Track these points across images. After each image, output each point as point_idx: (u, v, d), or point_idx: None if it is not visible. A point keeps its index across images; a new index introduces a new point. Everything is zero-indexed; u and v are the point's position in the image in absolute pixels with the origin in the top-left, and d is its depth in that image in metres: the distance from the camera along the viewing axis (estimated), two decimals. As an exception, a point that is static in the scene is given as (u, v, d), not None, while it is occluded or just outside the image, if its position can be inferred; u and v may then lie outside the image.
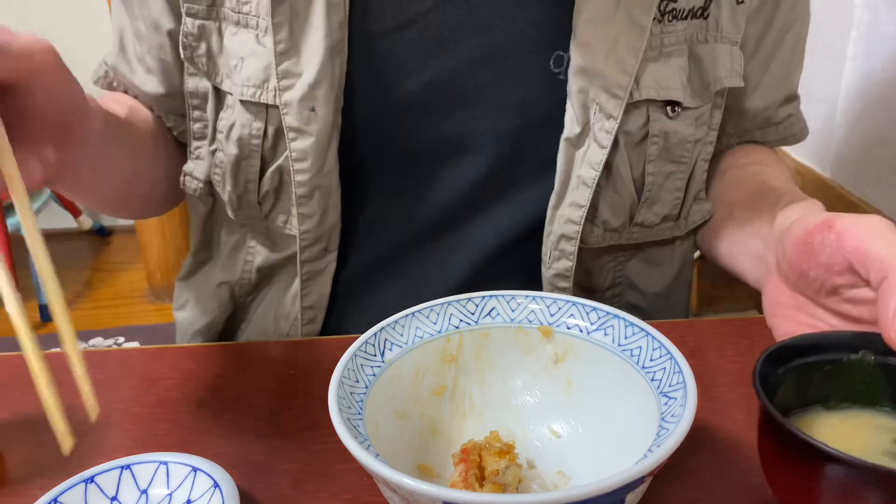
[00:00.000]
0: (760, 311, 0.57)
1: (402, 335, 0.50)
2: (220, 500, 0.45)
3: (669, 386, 0.43)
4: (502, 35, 0.63)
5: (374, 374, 0.47)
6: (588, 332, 0.49)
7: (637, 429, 0.44)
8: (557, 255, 0.66)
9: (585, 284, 0.71)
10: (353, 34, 0.62)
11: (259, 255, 0.72)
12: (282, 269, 0.72)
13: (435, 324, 0.51)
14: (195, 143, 0.70)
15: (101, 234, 2.98)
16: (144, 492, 0.47)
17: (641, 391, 0.45)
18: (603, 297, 0.72)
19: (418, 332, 0.50)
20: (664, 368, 0.45)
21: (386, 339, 0.49)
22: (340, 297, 0.71)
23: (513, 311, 0.51)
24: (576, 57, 0.62)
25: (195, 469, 0.47)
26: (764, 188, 0.67)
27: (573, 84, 0.62)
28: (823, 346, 0.43)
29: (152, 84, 0.70)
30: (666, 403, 0.43)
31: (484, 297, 0.52)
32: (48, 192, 2.60)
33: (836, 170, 1.32)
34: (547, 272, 0.68)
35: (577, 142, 0.64)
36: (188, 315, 0.78)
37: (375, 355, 0.48)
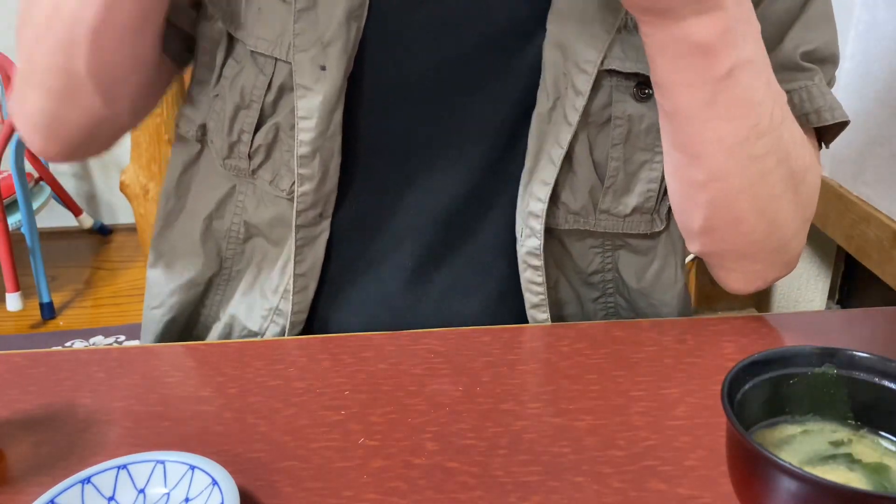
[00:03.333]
0: (758, 309, 0.57)
1: None
2: (219, 498, 0.45)
3: None
4: (505, 21, 0.63)
5: None
6: None
7: None
8: (528, 232, 0.66)
9: (567, 264, 0.70)
10: (373, 4, 0.62)
11: (247, 210, 0.70)
12: (269, 237, 0.70)
13: None
14: (197, 88, 0.70)
15: (102, 232, 2.98)
16: (142, 491, 0.47)
17: None
18: (590, 279, 0.71)
19: None
20: None
21: None
22: (334, 283, 0.70)
23: None
24: (551, 29, 0.61)
25: (193, 467, 0.47)
26: None
27: (547, 57, 0.62)
28: (789, 360, 0.45)
29: None
30: None
31: None
32: (49, 190, 2.60)
33: (834, 168, 1.32)
34: (520, 250, 0.67)
35: (548, 117, 0.63)
36: (165, 273, 0.74)
37: None
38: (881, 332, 0.68)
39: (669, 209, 0.69)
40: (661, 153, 0.65)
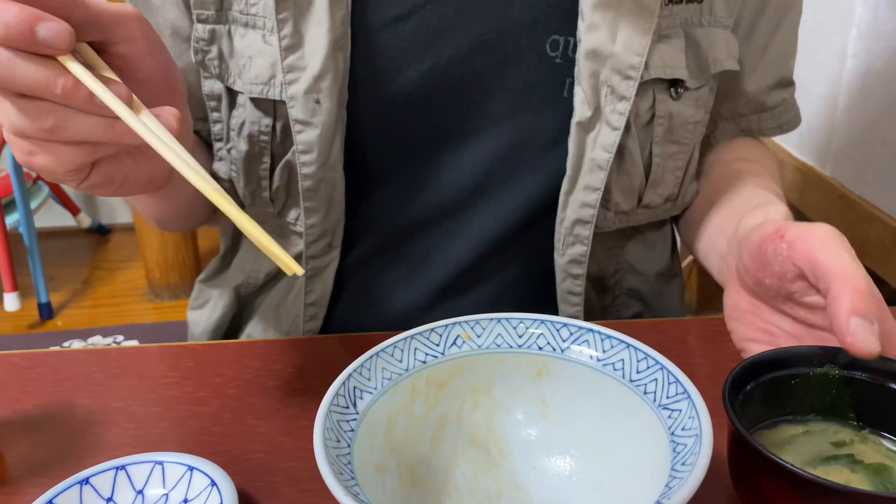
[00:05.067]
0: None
1: (369, 379, 0.46)
2: (217, 499, 0.45)
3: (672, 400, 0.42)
4: (499, 22, 0.64)
5: (352, 430, 0.43)
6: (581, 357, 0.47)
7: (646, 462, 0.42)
8: (572, 240, 0.67)
9: (594, 272, 0.72)
10: (356, 29, 0.63)
11: (268, 260, 0.72)
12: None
13: (400, 361, 0.47)
14: (217, 145, 0.71)
15: (100, 232, 2.98)
16: (140, 492, 0.47)
17: (641, 412, 0.44)
18: (608, 283, 0.74)
19: (385, 373, 0.46)
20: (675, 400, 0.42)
21: (355, 387, 0.45)
22: (342, 288, 0.72)
23: (478, 336, 0.48)
24: (585, 40, 0.62)
25: (191, 468, 0.47)
26: (740, 187, 0.68)
27: (584, 67, 0.63)
28: (790, 360, 0.45)
29: None
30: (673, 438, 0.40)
31: (447, 325, 0.48)
32: (47, 190, 2.60)
33: (836, 167, 1.32)
34: (561, 259, 0.68)
35: (589, 125, 0.64)
36: (201, 314, 0.79)
37: (348, 407, 0.44)
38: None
39: (688, 193, 0.73)
40: (687, 144, 0.69)
